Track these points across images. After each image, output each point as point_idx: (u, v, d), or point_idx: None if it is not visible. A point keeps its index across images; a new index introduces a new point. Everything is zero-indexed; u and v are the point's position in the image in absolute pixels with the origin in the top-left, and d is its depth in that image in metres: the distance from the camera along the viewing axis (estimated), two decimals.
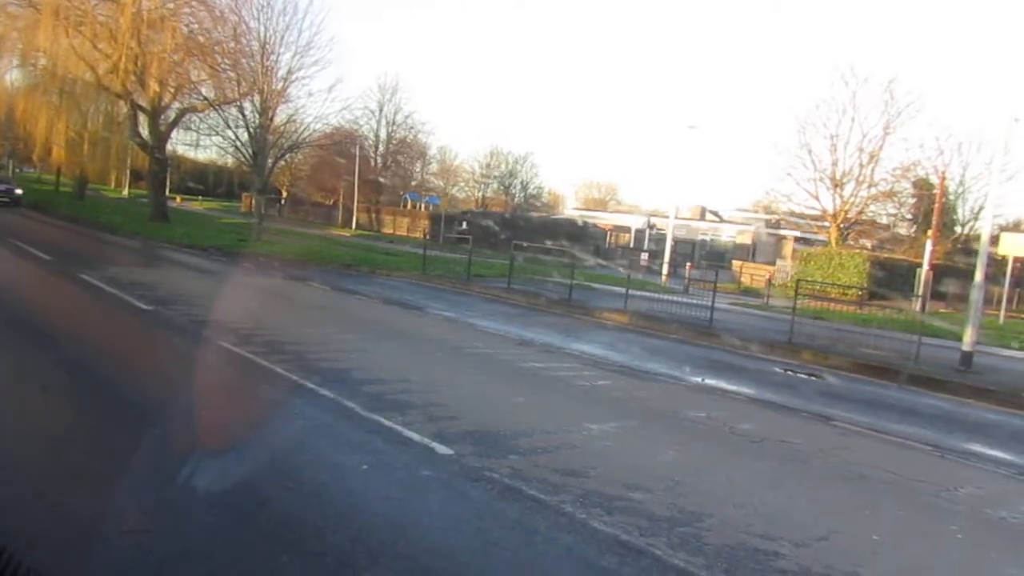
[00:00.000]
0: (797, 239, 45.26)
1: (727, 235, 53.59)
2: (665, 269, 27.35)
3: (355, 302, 14.80)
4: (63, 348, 7.55)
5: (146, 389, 6.45)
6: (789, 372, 11.20)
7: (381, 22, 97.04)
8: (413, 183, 59.01)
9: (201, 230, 28.42)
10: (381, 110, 54.34)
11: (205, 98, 27.71)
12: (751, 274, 34.03)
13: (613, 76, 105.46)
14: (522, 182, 64.81)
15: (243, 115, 26.23)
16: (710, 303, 15.12)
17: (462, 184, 66.91)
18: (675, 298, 17.58)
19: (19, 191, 32.51)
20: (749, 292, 28.44)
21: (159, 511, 3.94)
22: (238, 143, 27.18)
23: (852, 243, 34.99)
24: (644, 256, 38.11)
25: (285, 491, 4.38)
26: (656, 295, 17.90)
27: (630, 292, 16.86)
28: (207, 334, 8.87)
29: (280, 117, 27.00)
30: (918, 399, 10.20)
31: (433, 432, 5.65)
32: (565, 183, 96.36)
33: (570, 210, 66.82)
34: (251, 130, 26.02)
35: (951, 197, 35.67)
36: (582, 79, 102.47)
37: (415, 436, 5.53)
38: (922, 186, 35.99)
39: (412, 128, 55.64)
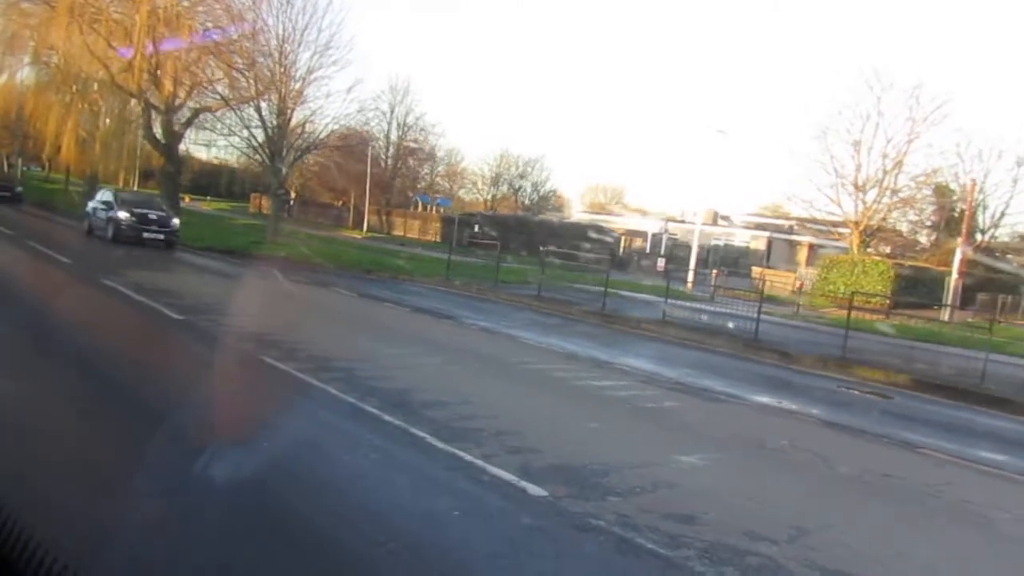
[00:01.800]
0: (812, 245, 44.73)
1: (740, 240, 52.92)
2: (691, 276, 26.75)
3: (385, 311, 14.25)
4: (97, 363, 7.01)
5: (196, 413, 5.85)
6: (853, 391, 10.63)
7: (392, 23, 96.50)
8: (421, 185, 58.34)
9: (214, 231, 27.87)
10: (392, 111, 53.61)
11: (221, 97, 27.17)
12: (771, 281, 33.40)
13: (620, 78, 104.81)
14: (533, 184, 64.05)
15: (260, 115, 25.72)
16: (749, 313, 14.60)
17: (469, 186, 66.16)
18: (709, 307, 17.05)
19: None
20: (772, 299, 27.83)
21: (227, 559, 3.40)
22: (254, 143, 26.65)
23: (872, 250, 34.25)
24: (660, 262, 37.52)
25: (377, 546, 3.83)
26: (688, 304, 17.41)
27: (656, 300, 16.29)
28: (246, 348, 8.34)
29: (297, 118, 26.50)
30: (995, 422, 9.62)
31: (518, 468, 5.09)
32: (571, 185, 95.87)
33: (577, 213, 66.03)
34: (268, 131, 25.49)
35: (973, 204, 34.93)
36: (589, 82, 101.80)
37: (501, 473, 4.97)
38: (943, 193, 35.36)
39: (423, 130, 54.98)
